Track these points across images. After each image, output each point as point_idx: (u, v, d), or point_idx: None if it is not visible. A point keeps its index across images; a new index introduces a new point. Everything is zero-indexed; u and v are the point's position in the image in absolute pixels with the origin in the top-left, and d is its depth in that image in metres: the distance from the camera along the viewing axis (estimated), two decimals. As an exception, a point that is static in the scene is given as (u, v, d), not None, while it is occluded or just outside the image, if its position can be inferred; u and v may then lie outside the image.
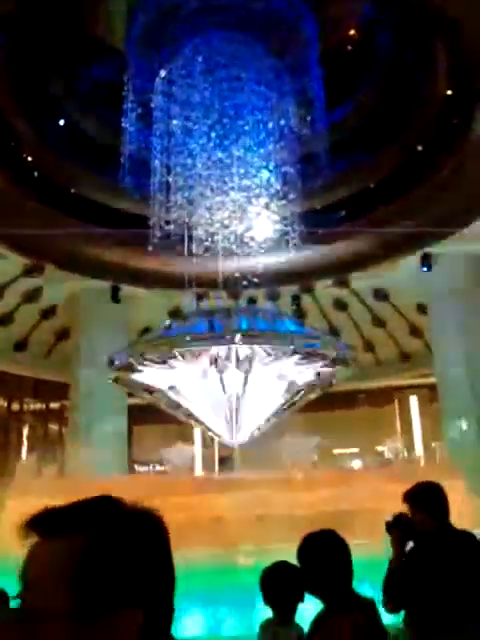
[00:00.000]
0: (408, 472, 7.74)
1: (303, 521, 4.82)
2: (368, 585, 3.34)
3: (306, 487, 6.12)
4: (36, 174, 16.27)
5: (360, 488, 6.29)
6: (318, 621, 2.93)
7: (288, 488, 6.07)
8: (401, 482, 3.83)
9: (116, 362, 12.52)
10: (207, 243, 14.79)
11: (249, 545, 5.52)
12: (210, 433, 13.67)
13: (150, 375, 12.68)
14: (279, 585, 3.17)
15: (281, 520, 5.35)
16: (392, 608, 3.28)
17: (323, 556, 3.02)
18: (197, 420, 13.46)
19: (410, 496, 3.67)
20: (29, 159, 16.12)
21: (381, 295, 19.97)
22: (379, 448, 21.59)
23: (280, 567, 3.25)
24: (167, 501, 6.26)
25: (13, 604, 1.82)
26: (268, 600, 3.19)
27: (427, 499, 3.61)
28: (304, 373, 12.57)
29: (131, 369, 12.60)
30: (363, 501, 5.78)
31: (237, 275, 15.59)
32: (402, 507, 3.74)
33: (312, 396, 13.49)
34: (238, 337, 10.98)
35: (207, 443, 22.60)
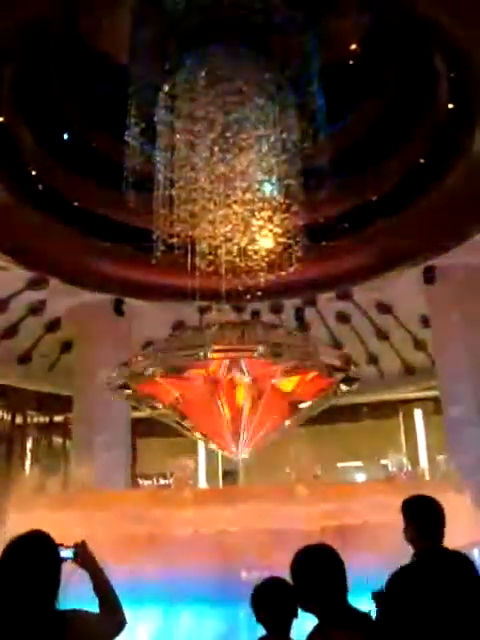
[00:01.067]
0: (413, 485, 7.69)
1: (307, 534, 4.79)
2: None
3: (310, 500, 6.08)
4: (40, 187, 16.34)
5: (364, 501, 6.25)
6: (312, 637, 2.91)
7: (292, 501, 6.04)
8: (405, 495, 3.81)
9: (119, 375, 12.48)
10: (210, 257, 14.80)
11: (253, 559, 5.49)
12: (213, 446, 13.62)
13: (154, 388, 12.66)
14: (272, 602, 3.15)
15: (285, 534, 5.32)
16: None
17: (316, 571, 3.00)
18: (200, 433, 13.42)
19: (404, 506, 3.64)
20: (33, 172, 16.19)
21: (384, 308, 19.99)
22: (383, 461, 21.53)
23: (272, 583, 3.22)
24: (170, 514, 6.24)
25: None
26: (261, 617, 3.16)
27: (418, 513, 3.56)
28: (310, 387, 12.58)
29: (134, 382, 12.57)
30: (367, 514, 5.75)
31: (241, 288, 15.58)
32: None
33: (317, 410, 13.47)
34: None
35: (211, 457, 22.59)
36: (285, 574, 3.15)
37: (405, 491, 4.05)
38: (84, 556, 2.94)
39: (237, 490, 10.81)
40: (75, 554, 2.92)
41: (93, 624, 2.74)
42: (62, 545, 2.85)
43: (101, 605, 2.85)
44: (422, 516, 3.53)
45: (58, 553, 2.77)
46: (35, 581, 2.60)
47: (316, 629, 2.93)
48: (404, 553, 3.52)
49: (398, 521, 3.71)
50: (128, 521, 5.91)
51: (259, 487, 9.78)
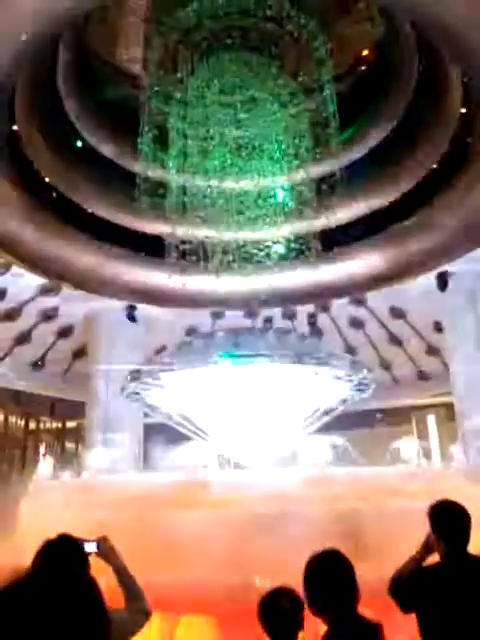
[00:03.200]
0: (426, 472, 7.63)
1: (319, 520, 4.78)
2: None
3: (321, 485, 6.03)
4: (54, 194, 16.50)
5: (376, 487, 6.18)
6: None
7: (303, 486, 6.00)
8: (418, 482, 3.79)
9: (133, 380, 12.55)
10: (223, 264, 14.87)
11: (265, 545, 5.46)
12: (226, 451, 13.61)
13: (167, 394, 12.71)
14: (278, 613, 3.11)
15: (296, 519, 5.30)
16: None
17: (328, 579, 2.99)
18: (213, 439, 13.41)
19: (429, 513, 3.51)
20: (47, 180, 16.35)
21: (397, 313, 19.91)
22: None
23: (279, 594, 3.19)
24: (180, 502, 6.24)
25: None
26: (267, 628, 3.11)
27: (441, 521, 3.45)
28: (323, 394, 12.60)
29: (147, 388, 12.64)
30: (378, 500, 5.68)
31: (253, 295, 15.61)
32: (418, 505, 3.66)
33: (329, 416, 13.47)
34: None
35: (223, 463, 22.54)
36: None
37: (418, 477, 4.04)
38: (107, 550, 3.01)
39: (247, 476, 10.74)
40: (98, 547, 2.98)
41: (121, 620, 2.76)
42: (85, 540, 2.93)
43: (127, 597, 2.92)
44: (441, 524, 3.44)
45: (85, 553, 2.87)
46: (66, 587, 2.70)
47: (326, 637, 2.92)
48: (418, 539, 3.47)
49: (411, 507, 3.69)
50: (140, 508, 5.91)
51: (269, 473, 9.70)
